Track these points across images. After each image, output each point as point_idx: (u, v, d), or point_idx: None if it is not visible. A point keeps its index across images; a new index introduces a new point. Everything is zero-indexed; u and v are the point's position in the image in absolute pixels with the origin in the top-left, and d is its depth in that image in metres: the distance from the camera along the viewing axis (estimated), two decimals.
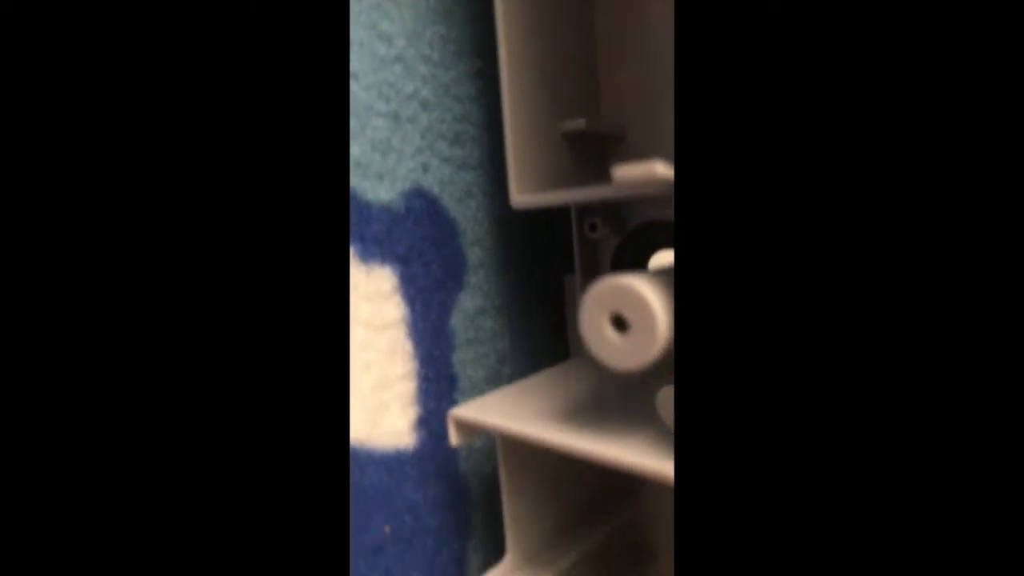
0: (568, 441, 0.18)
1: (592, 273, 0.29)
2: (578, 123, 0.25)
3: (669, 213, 0.27)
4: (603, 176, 0.18)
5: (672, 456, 0.16)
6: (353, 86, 0.22)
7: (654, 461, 0.16)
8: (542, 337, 0.31)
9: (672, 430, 0.17)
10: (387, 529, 0.23)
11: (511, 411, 0.21)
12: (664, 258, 0.27)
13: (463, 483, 0.27)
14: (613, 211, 0.28)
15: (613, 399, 0.22)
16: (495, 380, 0.28)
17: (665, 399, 0.18)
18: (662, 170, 0.15)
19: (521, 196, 0.23)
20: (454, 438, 0.22)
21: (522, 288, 0.30)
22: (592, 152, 0.27)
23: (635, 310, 0.16)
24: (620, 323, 0.16)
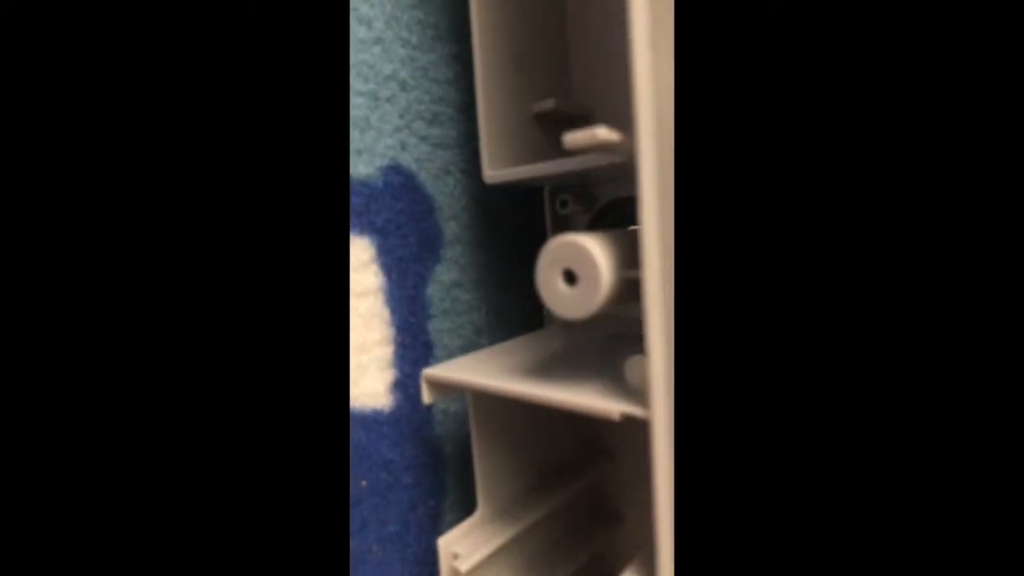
0: (527, 390, 0.20)
1: None
2: (547, 104, 0.26)
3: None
4: (571, 155, 0.20)
5: (625, 402, 0.18)
6: None
7: (606, 403, 0.18)
8: (518, 310, 0.32)
9: (639, 392, 0.18)
10: (364, 483, 0.25)
11: (480, 369, 0.23)
12: None
13: (438, 445, 0.28)
14: (583, 189, 0.29)
15: (578, 359, 0.24)
16: (472, 349, 0.30)
17: (634, 365, 0.19)
18: (604, 134, 0.16)
19: (493, 171, 0.25)
20: (426, 396, 0.23)
21: (498, 263, 0.31)
22: (563, 133, 0.29)
23: (582, 264, 0.17)
24: (570, 277, 0.17)
